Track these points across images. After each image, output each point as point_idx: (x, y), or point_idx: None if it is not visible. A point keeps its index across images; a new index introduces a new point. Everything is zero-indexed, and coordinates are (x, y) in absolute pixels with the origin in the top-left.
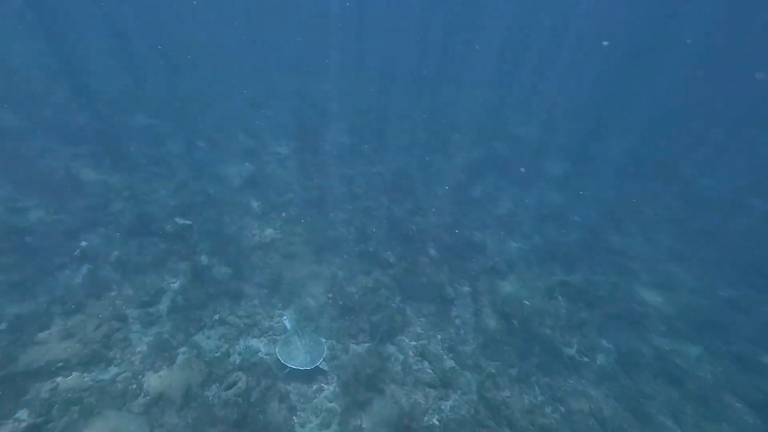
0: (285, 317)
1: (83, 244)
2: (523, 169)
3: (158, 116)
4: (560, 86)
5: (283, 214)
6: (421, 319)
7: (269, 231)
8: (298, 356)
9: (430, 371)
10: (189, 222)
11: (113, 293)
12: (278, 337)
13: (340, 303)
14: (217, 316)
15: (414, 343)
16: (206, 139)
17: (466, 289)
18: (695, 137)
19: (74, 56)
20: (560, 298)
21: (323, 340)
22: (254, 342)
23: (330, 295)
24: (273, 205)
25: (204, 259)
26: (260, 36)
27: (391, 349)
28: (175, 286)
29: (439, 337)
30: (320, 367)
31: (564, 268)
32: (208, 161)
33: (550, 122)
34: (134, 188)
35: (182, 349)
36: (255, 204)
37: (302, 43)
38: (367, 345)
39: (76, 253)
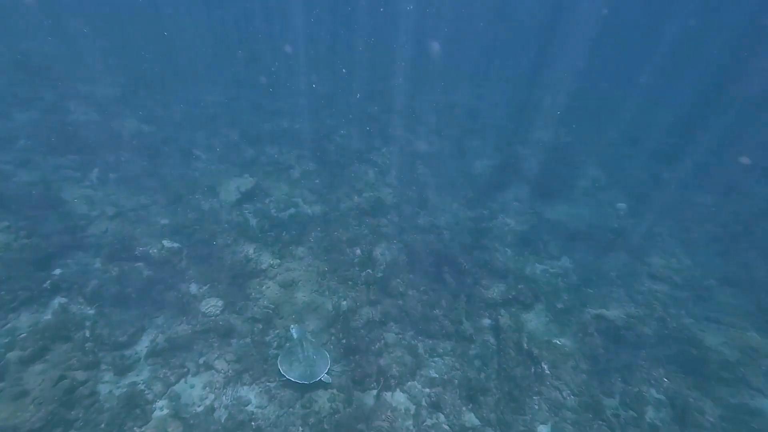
0: (293, 327)
1: (56, 273)
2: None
3: (151, 122)
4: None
5: (284, 233)
6: (436, 359)
7: (266, 254)
8: (298, 368)
9: (447, 428)
10: (178, 245)
11: (85, 333)
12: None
13: (344, 341)
14: (203, 360)
15: (427, 390)
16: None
17: (485, 324)
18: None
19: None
20: (596, 335)
21: (327, 353)
22: (244, 391)
23: (332, 330)
24: (272, 223)
25: (193, 288)
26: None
27: (400, 398)
28: (158, 321)
29: (457, 382)
30: (322, 379)
31: (599, 298)
32: (205, 172)
33: (576, 123)
34: (120, 204)
35: (159, 404)
36: (253, 222)
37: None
38: (373, 392)
39: (46, 285)
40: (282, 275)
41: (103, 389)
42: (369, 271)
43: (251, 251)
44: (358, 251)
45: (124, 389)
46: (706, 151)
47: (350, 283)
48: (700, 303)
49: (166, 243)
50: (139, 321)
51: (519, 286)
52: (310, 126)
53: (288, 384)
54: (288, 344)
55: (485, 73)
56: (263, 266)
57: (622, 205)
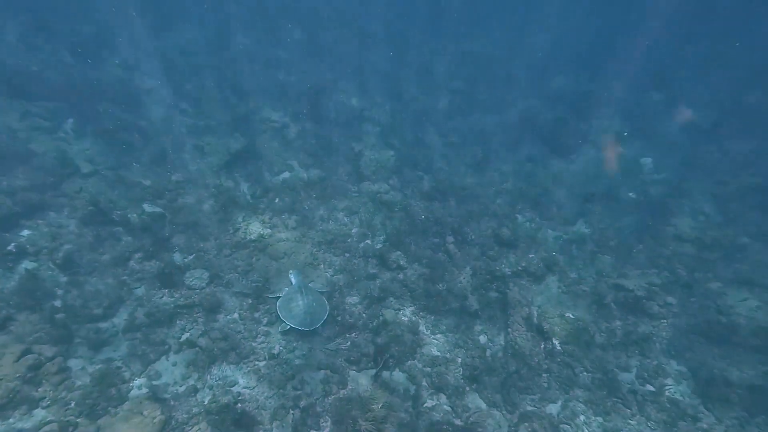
0: (292, 272)
1: (24, 234)
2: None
3: (133, 67)
4: None
5: (277, 200)
6: (438, 336)
7: (256, 224)
8: (298, 315)
9: (448, 407)
10: (160, 210)
11: (56, 303)
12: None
13: (338, 318)
14: (186, 335)
15: (429, 369)
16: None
17: (493, 296)
18: None
19: None
20: (614, 306)
21: (326, 303)
22: (230, 371)
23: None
24: (264, 189)
25: (177, 258)
26: None
27: (399, 377)
28: (138, 293)
29: (460, 361)
30: (319, 329)
31: (617, 266)
32: (192, 128)
33: (600, 65)
34: (98, 161)
35: (137, 382)
36: (243, 187)
37: None
38: (370, 372)
39: (10, 248)
40: (273, 246)
41: (75, 365)
42: (368, 242)
43: (240, 219)
44: (357, 220)
45: (99, 366)
46: (746, 89)
47: (347, 255)
48: (731, 264)
49: (148, 207)
50: (117, 292)
51: (529, 256)
52: (308, 78)
53: (279, 362)
54: (287, 289)
55: (503, 15)
56: (253, 236)
57: (646, 160)
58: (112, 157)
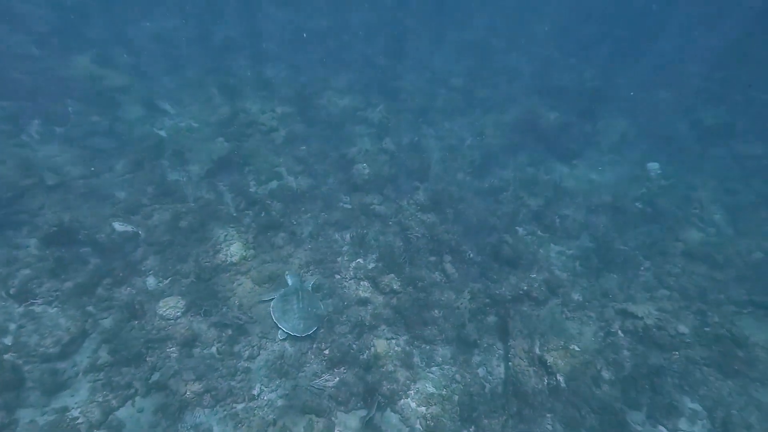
0: (288, 274)
1: None
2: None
3: (108, 62)
4: None
5: (262, 214)
6: (434, 369)
7: (238, 244)
8: (291, 320)
9: None
10: (133, 228)
11: (7, 340)
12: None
13: (326, 352)
14: (156, 376)
15: (423, 409)
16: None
17: (492, 321)
18: None
19: None
20: (621, 334)
21: (323, 306)
22: (204, 416)
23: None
24: (249, 201)
25: (150, 283)
26: None
27: (392, 419)
28: (104, 325)
29: (457, 399)
30: (312, 336)
31: (624, 286)
32: (173, 131)
33: (606, 59)
34: (65, 171)
35: None
36: (227, 198)
37: None
38: (360, 413)
39: None
40: (257, 269)
41: (22, 417)
42: (360, 261)
43: (222, 238)
44: (348, 237)
45: (51, 417)
46: (762, 86)
47: (337, 277)
48: (745, 284)
49: (119, 226)
50: (80, 325)
51: (531, 276)
52: (298, 74)
53: (259, 405)
54: (283, 290)
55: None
56: (234, 258)
57: (653, 165)
58: (83, 165)
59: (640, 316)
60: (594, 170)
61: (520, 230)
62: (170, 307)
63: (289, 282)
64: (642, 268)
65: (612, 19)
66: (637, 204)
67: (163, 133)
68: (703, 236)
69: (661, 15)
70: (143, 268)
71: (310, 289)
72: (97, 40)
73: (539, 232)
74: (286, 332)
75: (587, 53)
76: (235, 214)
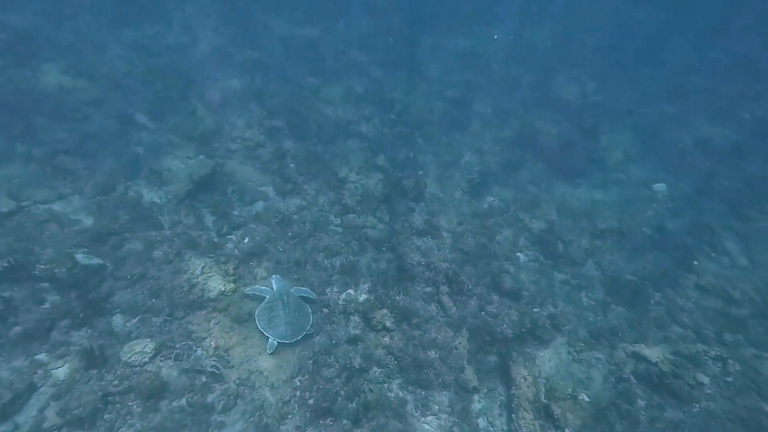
0: (275, 276)
1: None
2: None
3: (81, 73)
4: None
5: (246, 240)
6: (429, 418)
7: (217, 277)
8: (277, 326)
9: None
10: (99, 261)
11: None
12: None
13: (311, 401)
14: None
15: None
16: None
17: (493, 362)
18: None
19: None
20: (634, 380)
21: (310, 311)
22: None
23: (297, 383)
24: (232, 224)
25: (116, 323)
26: None
27: None
28: (57, 376)
29: None
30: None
31: (634, 322)
32: (151, 147)
33: (609, 73)
34: (27, 194)
35: None
36: (208, 221)
37: None
38: None
39: None
40: (237, 304)
41: None
42: (350, 292)
43: (199, 271)
44: (338, 264)
45: None
46: None
47: (325, 311)
48: (764, 323)
49: (82, 258)
50: (27, 377)
51: (534, 310)
52: (288, 85)
53: None
54: (268, 297)
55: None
56: (212, 293)
57: (660, 186)
58: (47, 188)
59: (654, 361)
60: (598, 190)
61: (522, 256)
62: (137, 352)
63: (275, 286)
64: (652, 301)
65: (614, 30)
66: (644, 229)
67: (140, 149)
68: (716, 267)
69: (665, 26)
70: (109, 306)
71: (293, 291)
72: (70, 47)
73: (542, 258)
74: (275, 340)
75: (589, 64)
76: (216, 240)
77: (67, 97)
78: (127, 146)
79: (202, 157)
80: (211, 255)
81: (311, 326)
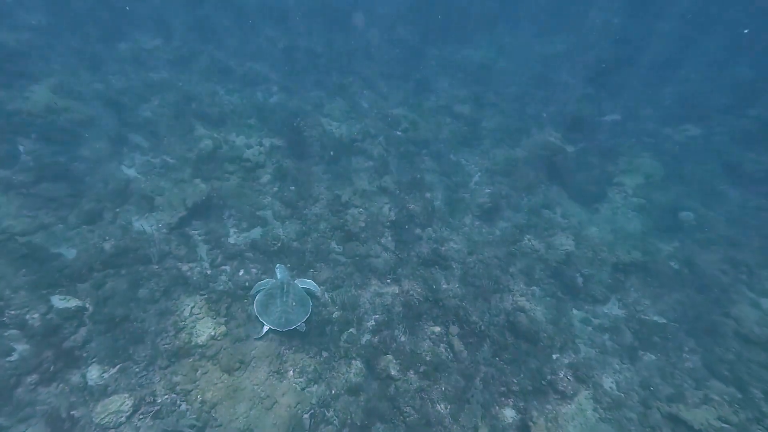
0: (279, 266)
1: None
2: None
3: (72, 92)
4: None
5: (241, 272)
6: None
7: (207, 319)
8: (273, 313)
9: None
10: (78, 303)
11: None
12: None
13: None
14: None
15: None
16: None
17: (510, 419)
18: None
19: None
20: None
21: (310, 302)
22: None
23: None
24: (226, 254)
25: (91, 375)
26: None
27: None
28: None
29: None
30: (298, 328)
31: (666, 373)
32: (145, 169)
33: (627, 91)
34: (2, 226)
35: None
36: (202, 251)
37: None
38: None
39: None
40: (228, 350)
41: None
42: (352, 331)
43: (187, 312)
44: (339, 300)
45: None
46: None
47: (324, 354)
48: None
49: (59, 301)
50: None
51: (553, 356)
52: (290, 100)
53: None
54: (270, 284)
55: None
56: (201, 339)
57: (686, 215)
58: (28, 217)
59: (697, 429)
60: (618, 216)
61: (538, 291)
62: (111, 412)
63: (278, 274)
64: (686, 348)
65: (631, 43)
66: (672, 263)
67: (132, 172)
68: (759, 314)
69: (684, 40)
70: (85, 355)
71: (297, 283)
72: (63, 64)
73: (560, 294)
74: (268, 326)
75: (604, 80)
76: (209, 272)
77: (57, 117)
78: (117, 169)
79: (197, 180)
80: (202, 292)
81: (308, 319)
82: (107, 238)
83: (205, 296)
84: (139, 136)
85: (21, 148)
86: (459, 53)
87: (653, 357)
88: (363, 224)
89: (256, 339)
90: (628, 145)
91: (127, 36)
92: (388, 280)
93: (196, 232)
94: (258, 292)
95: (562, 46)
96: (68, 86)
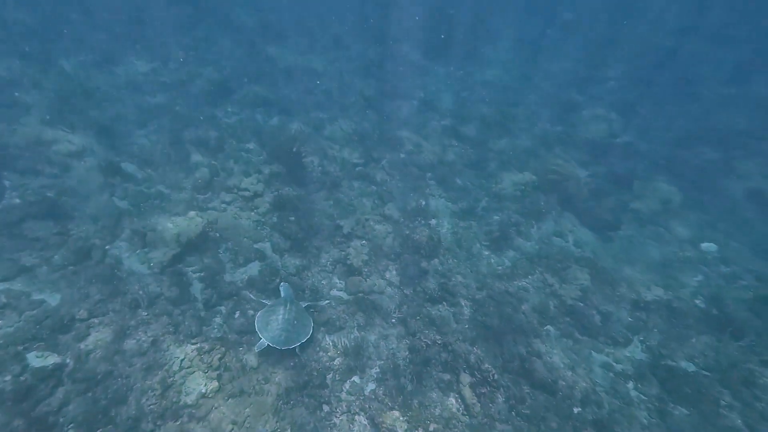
0: (283, 284)
1: None
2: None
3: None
4: None
5: (237, 314)
6: None
7: (198, 373)
8: (273, 330)
9: None
10: (57, 359)
11: None
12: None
13: None
14: None
15: None
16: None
17: None
18: None
19: None
20: None
21: (312, 323)
22: None
23: None
24: (221, 293)
25: None
26: None
27: None
28: None
29: None
30: (295, 350)
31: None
32: (138, 199)
33: (640, 108)
34: None
35: None
36: (195, 290)
37: None
38: None
39: None
40: (221, 410)
41: None
42: (355, 379)
43: (177, 365)
44: (341, 344)
45: None
46: None
47: (326, 409)
48: None
49: (35, 359)
50: None
51: (574, 410)
52: (291, 122)
53: None
54: (272, 301)
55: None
56: (190, 398)
57: (709, 246)
58: (8, 261)
59: None
60: (635, 246)
61: (552, 330)
62: None
63: (282, 292)
64: (723, 403)
65: (639, 60)
66: (697, 301)
67: (124, 204)
68: None
69: (696, 57)
70: (61, 420)
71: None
72: (56, 92)
73: (577, 334)
74: (266, 342)
75: (613, 98)
76: (203, 314)
77: (46, 150)
78: (109, 202)
79: (192, 213)
80: (193, 341)
81: (307, 340)
82: (95, 280)
83: (197, 345)
84: (133, 164)
85: (7, 183)
86: (463, 70)
87: (685, 411)
88: (366, 257)
89: (255, 351)
90: (642, 168)
91: (123, 60)
92: (393, 320)
93: (191, 269)
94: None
95: (570, 63)
96: (59, 116)
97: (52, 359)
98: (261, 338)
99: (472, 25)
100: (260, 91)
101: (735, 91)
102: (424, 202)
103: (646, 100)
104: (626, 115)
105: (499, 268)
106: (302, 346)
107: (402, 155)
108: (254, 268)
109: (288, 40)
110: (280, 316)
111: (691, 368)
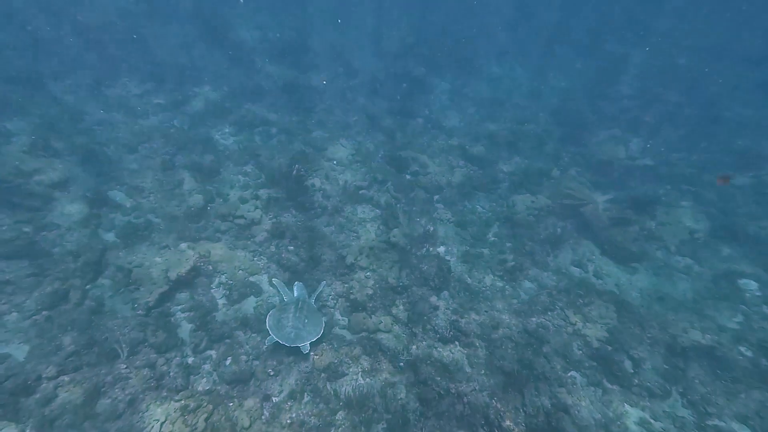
0: (297, 283)
1: None
2: None
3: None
4: None
5: (228, 361)
6: None
7: None
8: (284, 327)
9: None
10: (17, 427)
11: None
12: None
13: None
14: None
15: None
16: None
17: None
18: None
19: None
20: None
21: (323, 323)
22: None
23: None
24: (213, 336)
25: None
26: None
27: None
28: None
29: None
30: (301, 348)
31: None
32: (126, 232)
33: (663, 129)
34: None
35: None
36: (183, 332)
37: None
38: None
39: None
40: None
41: None
42: None
43: (156, 428)
44: (343, 393)
45: None
46: None
47: None
48: None
49: None
50: None
51: None
52: (291, 143)
53: None
54: (286, 299)
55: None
56: None
57: (749, 284)
58: None
59: None
60: (663, 279)
61: (579, 377)
62: None
63: (296, 292)
64: None
65: (654, 78)
66: (741, 349)
67: (111, 236)
68: None
69: (712, 77)
70: None
71: (312, 303)
72: (41, 117)
73: (605, 383)
74: (275, 339)
75: (628, 117)
76: (191, 360)
77: (26, 182)
78: (93, 235)
79: (183, 246)
80: (177, 397)
81: (318, 338)
82: (70, 327)
83: (181, 402)
84: (122, 192)
85: None
86: (470, 86)
87: None
88: (371, 291)
89: (264, 347)
90: (664, 192)
91: (116, 81)
92: (401, 364)
93: (179, 307)
94: (277, 288)
95: (580, 80)
96: (43, 144)
97: (12, 429)
98: (270, 335)
99: (479, 40)
100: (258, 110)
101: (755, 112)
102: (432, 228)
103: (664, 120)
104: (642, 136)
105: (515, 301)
106: (312, 344)
107: (407, 176)
108: (249, 306)
109: (288, 57)
110: (291, 314)
111: (745, 430)
